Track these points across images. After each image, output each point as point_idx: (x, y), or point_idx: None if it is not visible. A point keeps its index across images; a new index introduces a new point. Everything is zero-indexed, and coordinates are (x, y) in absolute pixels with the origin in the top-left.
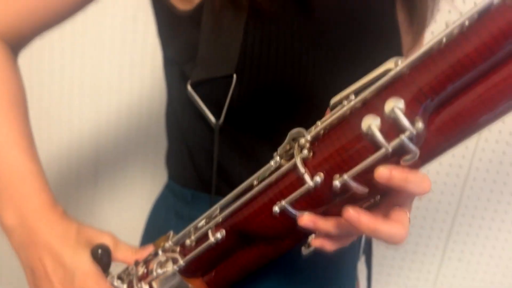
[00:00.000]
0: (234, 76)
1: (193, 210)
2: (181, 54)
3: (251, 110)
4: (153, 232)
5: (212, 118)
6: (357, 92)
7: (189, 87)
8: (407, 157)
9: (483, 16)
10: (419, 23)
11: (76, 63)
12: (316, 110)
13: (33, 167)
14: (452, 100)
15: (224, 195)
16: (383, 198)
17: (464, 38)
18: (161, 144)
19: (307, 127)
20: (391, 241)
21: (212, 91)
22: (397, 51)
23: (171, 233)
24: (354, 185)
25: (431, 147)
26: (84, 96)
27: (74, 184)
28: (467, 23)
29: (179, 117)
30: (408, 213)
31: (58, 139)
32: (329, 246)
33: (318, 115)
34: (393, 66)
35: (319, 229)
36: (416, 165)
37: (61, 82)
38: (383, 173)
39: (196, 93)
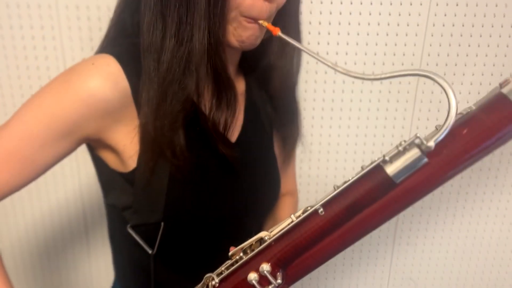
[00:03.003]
0: (162, 223)
1: None
2: (119, 202)
3: (178, 245)
4: None
5: (148, 250)
6: (244, 250)
7: (129, 229)
8: None
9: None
10: (289, 147)
11: None
12: (231, 242)
13: None
14: (301, 255)
15: None
16: None
17: (298, 228)
18: None
19: (225, 256)
20: None
21: (147, 231)
22: (277, 183)
23: None
24: None
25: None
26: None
27: None
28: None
29: (122, 243)
30: None
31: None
32: None
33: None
34: (266, 236)
35: None
36: None
37: None
38: None
39: (134, 231)
